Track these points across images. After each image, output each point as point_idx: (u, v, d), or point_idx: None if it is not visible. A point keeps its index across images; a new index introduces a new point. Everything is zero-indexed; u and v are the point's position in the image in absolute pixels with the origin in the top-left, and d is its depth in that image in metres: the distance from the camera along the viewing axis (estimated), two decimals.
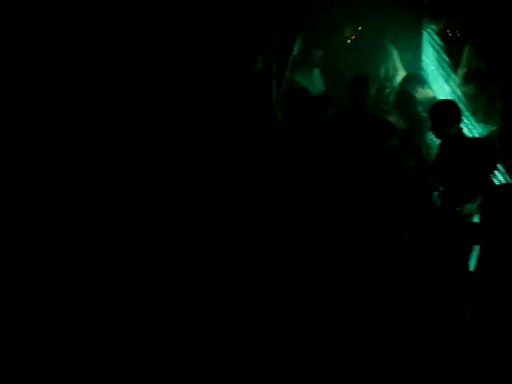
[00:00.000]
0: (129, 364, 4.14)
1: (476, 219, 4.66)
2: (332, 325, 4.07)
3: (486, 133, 6.29)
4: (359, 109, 6.57)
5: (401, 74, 7.39)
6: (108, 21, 7.23)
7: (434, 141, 6.01)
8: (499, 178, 5.34)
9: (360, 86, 6.63)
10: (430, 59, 7.67)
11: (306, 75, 7.60)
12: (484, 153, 4.72)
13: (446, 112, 5.49)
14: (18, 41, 6.93)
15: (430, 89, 6.93)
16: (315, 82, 7.60)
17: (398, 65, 7.54)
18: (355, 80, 6.69)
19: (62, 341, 4.22)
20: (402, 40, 7.67)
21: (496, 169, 4.95)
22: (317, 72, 7.73)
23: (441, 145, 5.70)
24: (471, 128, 6.40)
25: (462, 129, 5.62)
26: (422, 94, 6.64)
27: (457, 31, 7.25)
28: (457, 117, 5.51)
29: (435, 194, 4.92)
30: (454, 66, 7.00)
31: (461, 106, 5.87)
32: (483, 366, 3.90)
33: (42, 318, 4.32)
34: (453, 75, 6.99)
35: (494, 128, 6.26)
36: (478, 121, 6.52)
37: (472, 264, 4.40)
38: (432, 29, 7.31)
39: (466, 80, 6.79)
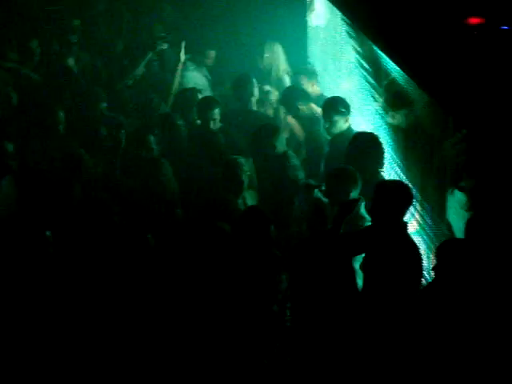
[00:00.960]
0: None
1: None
2: None
3: None
4: (244, 107, 6.70)
5: (288, 73, 7.48)
6: None
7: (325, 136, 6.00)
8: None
9: (243, 85, 6.72)
10: (315, 57, 7.74)
11: (196, 76, 7.51)
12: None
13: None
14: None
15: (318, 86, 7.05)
16: (203, 82, 7.50)
17: (285, 64, 7.55)
18: (238, 79, 6.81)
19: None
20: (287, 38, 7.69)
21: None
22: (205, 71, 7.70)
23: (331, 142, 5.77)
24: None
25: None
26: (309, 89, 6.83)
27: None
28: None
29: (316, 191, 4.86)
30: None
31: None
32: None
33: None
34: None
35: None
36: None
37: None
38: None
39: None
